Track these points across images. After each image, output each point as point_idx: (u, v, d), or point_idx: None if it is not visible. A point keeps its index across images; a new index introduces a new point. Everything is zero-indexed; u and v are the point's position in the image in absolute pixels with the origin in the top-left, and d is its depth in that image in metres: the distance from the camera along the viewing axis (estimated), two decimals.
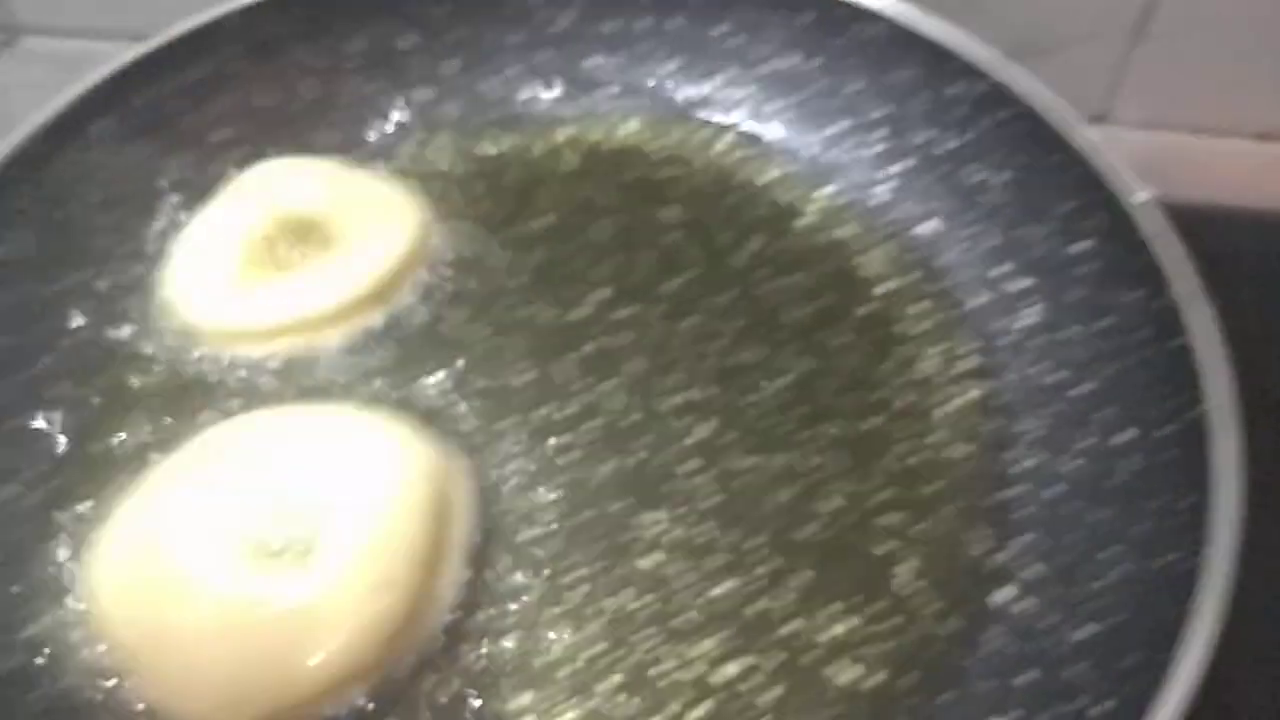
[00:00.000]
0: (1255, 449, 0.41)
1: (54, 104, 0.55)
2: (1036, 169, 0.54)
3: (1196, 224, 0.71)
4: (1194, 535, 0.40)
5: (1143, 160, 0.82)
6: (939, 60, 0.57)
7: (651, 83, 0.64)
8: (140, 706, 0.42)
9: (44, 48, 0.77)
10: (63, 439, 0.51)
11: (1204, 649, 0.37)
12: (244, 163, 0.59)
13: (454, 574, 0.46)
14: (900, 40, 0.58)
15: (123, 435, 0.50)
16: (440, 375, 0.52)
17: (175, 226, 0.57)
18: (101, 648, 0.44)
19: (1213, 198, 0.75)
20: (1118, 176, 0.51)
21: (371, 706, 0.42)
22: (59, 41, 0.77)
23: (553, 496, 0.49)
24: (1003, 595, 0.45)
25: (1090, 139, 0.52)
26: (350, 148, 0.62)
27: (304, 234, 0.55)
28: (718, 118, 0.63)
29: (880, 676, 0.43)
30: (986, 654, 0.43)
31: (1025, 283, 0.54)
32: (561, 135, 0.63)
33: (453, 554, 0.46)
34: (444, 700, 0.43)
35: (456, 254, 0.57)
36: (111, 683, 0.43)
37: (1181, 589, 0.39)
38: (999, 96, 0.55)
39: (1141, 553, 0.42)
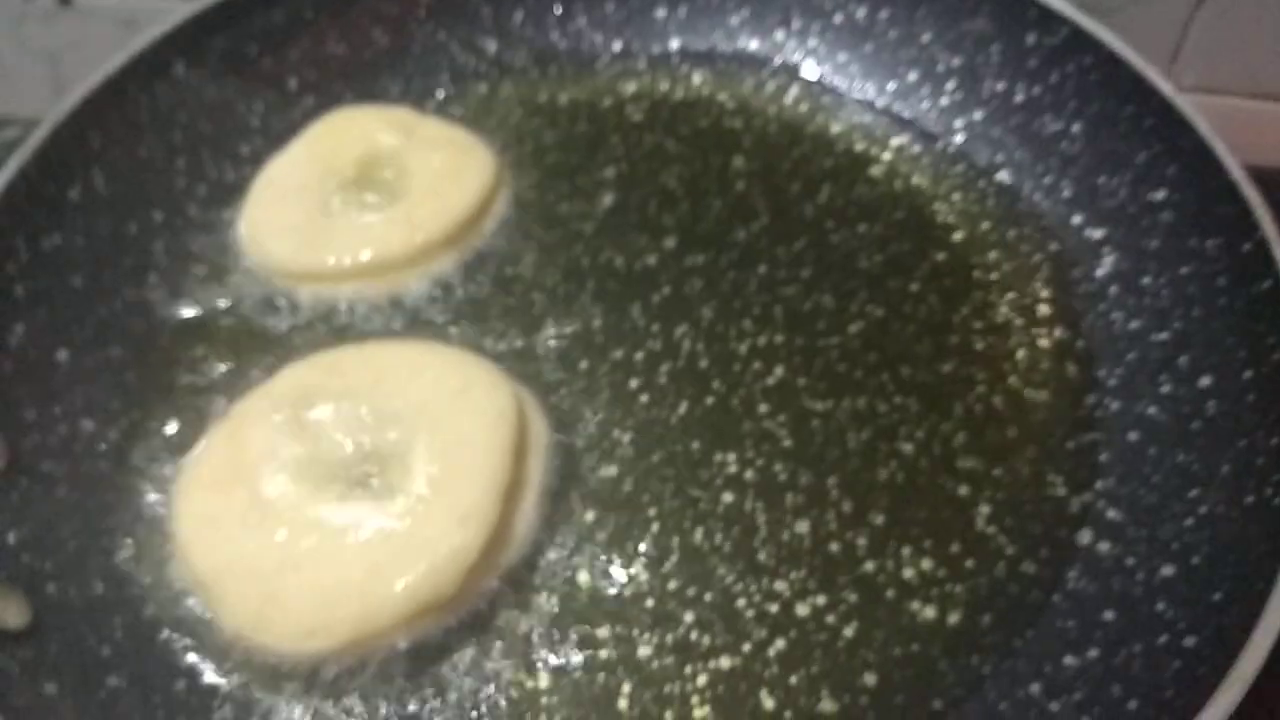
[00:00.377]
0: None
1: (134, 45, 0.55)
2: (1112, 118, 0.54)
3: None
4: None
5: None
6: (1013, 10, 0.57)
7: (719, 34, 0.64)
8: (225, 634, 0.43)
9: (99, 6, 0.78)
10: (138, 376, 0.51)
11: None
12: (319, 109, 0.59)
13: (532, 510, 0.46)
14: None
15: (200, 372, 0.51)
16: (514, 318, 0.53)
17: (253, 169, 0.57)
18: (186, 577, 0.44)
19: (1271, 161, 0.75)
20: (1197, 124, 0.50)
21: (450, 638, 0.43)
22: (115, 1, 0.78)
23: (628, 437, 0.49)
24: (1084, 537, 0.45)
25: (1168, 88, 0.51)
26: (421, 96, 0.62)
27: (378, 179, 0.56)
28: (787, 68, 0.63)
29: (959, 615, 0.43)
30: (1066, 594, 0.43)
31: (1102, 231, 0.53)
32: (630, 86, 0.63)
33: (531, 490, 0.47)
34: (522, 631, 0.43)
35: (527, 201, 0.57)
36: (196, 611, 0.44)
37: (1272, 528, 0.39)
38: (1075, 45, 0.55)
39: (1228, 493, 0.42)
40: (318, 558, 0.43)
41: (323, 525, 0.43)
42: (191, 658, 0.43)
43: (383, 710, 0.41)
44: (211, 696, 0.42)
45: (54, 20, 0.79)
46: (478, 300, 0.53)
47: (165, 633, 0.43)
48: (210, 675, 0.42)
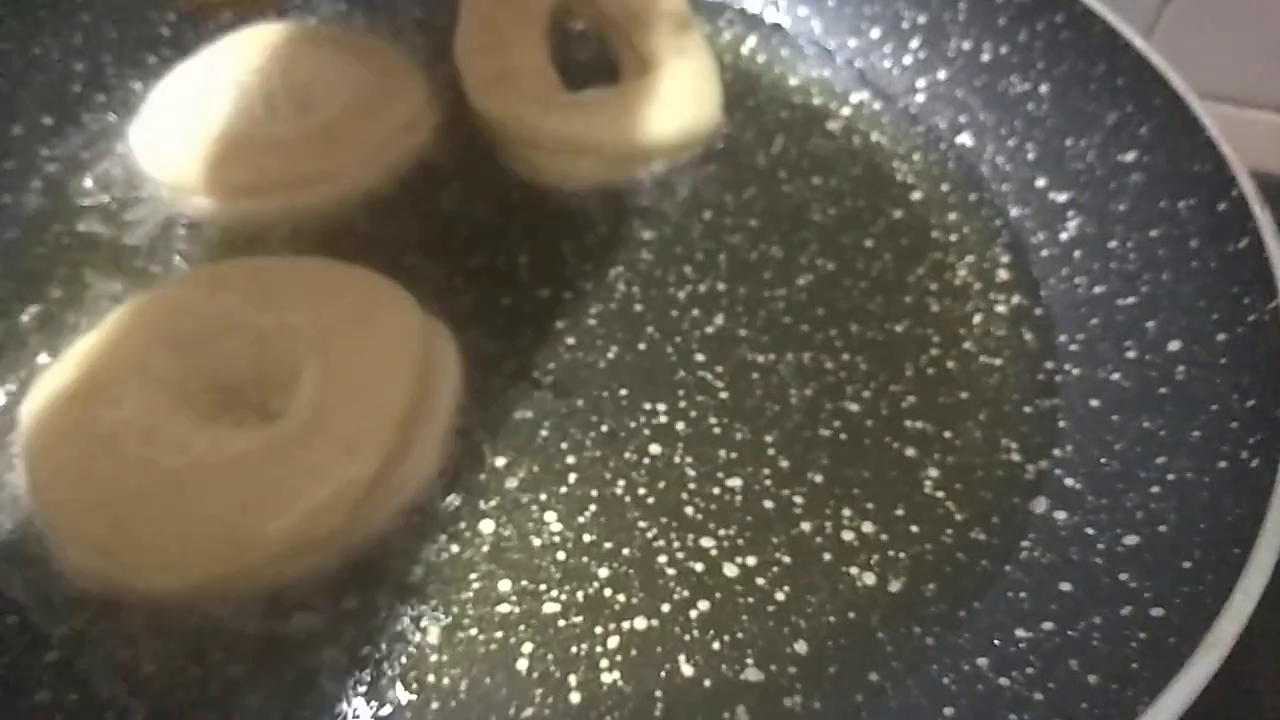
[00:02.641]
0: None
1: None
2: (1083, 77, 0.51)
3: None
4: (1259, 436, 0.37)
5: None
6: None
7: None
8: (68, 565, 0.37)
9: None
10: (8, 287, 0.46)
11: (1274, 551, 0.33)
12: (233, 23, 0.55)
13: (435, 449, 0.41)
14: None
15: (76, 286, 0.46)
16: (433, 247, 0.48)
17: (155, 80, 0.52)
18: (28, 497, 0.39)
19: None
20: (1173, 81, 0.47)
21: (330, 583, 0.38)
22: None
23: (548, 379, 0.44)
24: (1039, 505, 0.41)
25: (1142, 44, 0.49)
26: (349, 16, 0.58)
27: (295, 93, 0.51)
28: (746, 17, 0.59)
29: (901, 582, 0.39)
30: (1019, 564, 0.39)
31: (1068, 194, 0.50)
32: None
33: (435, 427, 0.42)
34: (412, 580, 0.38)
35: (457, 127, 0.53)
36: (37, 538, 0.38)
37: (1249, 491, 0.35)
38: (1046, 2, 0.52)
39: (1199, 458, 0.39)
40: (179, 484, 0.37)
41: (189, 450, 0.38)
42: (29, 592, 0.37)
43: (241, 664, 0.36)
44: (47, 637, 0.36)
45: None
46: (393, 224, 0.49)
47: (9, 561, 0.38)
48: (49, 614, 0.37)
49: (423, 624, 0.37)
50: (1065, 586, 0.38)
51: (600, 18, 0.53)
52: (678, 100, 0.51)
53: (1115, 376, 0.44)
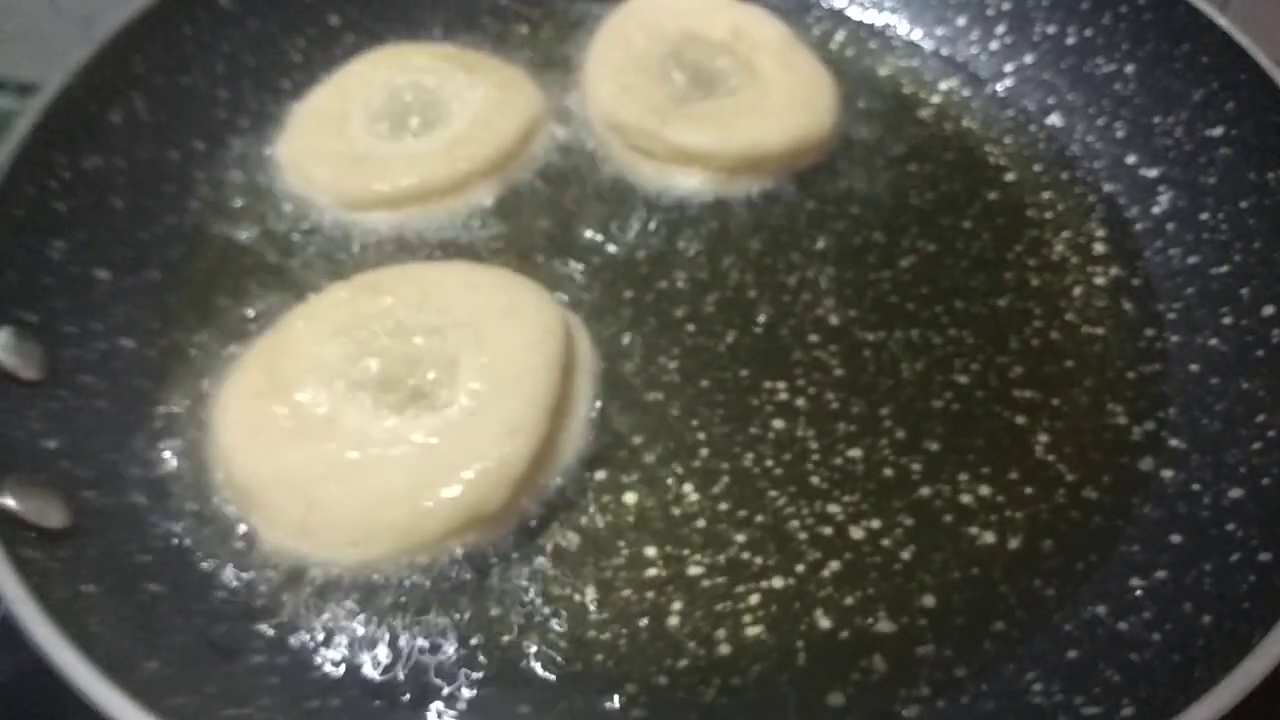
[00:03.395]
0: None
1: None
2: (1167, 57, 0.53)
3: None
4: None
5: None
6: None
7: None
8: (266, 546, 0.42)
9: None
10: (178, 298, 0.50)
11: None
12: (360, 46, 0.59)
13: (579, 428, 0.45)
14: None
15: (238, 296, 0.50)
16: (558, 246, 0.52)
17: (294, 104, 0.57)
18: (228, 488, 0.43)
19: None
20: (1257, 56, 0.49)
21: (498, 552, 0.42)
22: None
23: (674, 364, 0.48)
24: (1147, 464, 0.44)
25: (1225, 22, 0.51)
26: (463, 36, 0.61)
27: (420, 110, 0.55)
28: (833, 13, 0.62)
29: (1019, 540, 0.42)
30: (1130, 519, 0.42)
31: (1158, 169, 0.52)
32: None
33: (578, 408, 0.46)
34: (569, 548, 0.42)
35: (563, 135, 0.56)
36: (237, 523, 0.43)
37: None
38: None
39: None
40: (362, 468, 0.42)
41: (368, 437, 0.42)
42: (231, 569, 0.42)
43: (431, 620, 0.40)
44: (252, 608, 0.41)
45: None
46: (522, 228, 0.53)
47: (205, 544, 0.42)
48: (251, 587, 0.41)
49: (584, 586, 0.41)
50: (1175, 538, 0.41)
51: (711, 43, 0.57)
52: (782, 111, 0.54)
53: (1213, 342, 0.46)
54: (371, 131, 0.54)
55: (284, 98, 0.57)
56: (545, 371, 0.44)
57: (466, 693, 0.39)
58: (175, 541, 0.42)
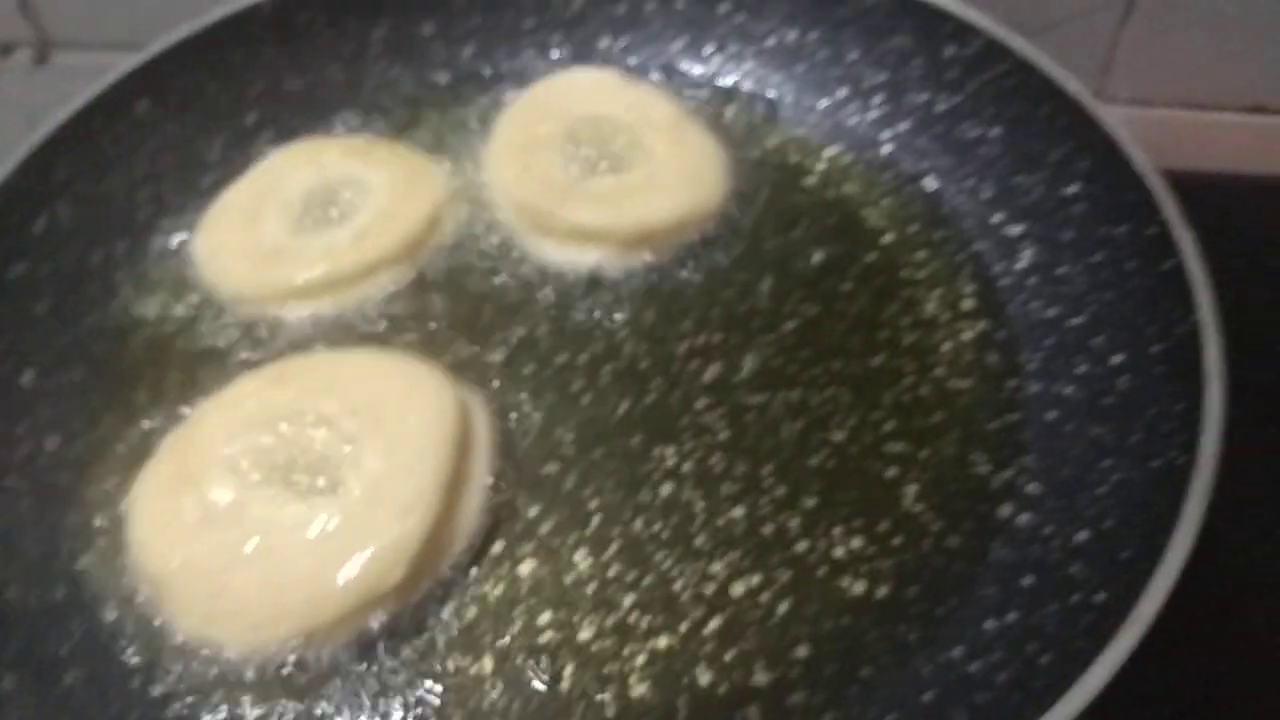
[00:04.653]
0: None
1: (99, 83, 0.58)
2: (1027, 120, 0.57)
3: (1191, 191, 0.73)
4: (1185, 436, 0.42)
5: (1135, 136, 0.85)
6: (932, 24, 0.60)
7: (660, 59, 0.67)
8: (178, 635, 0.45)
9: (76, 62, 0.81)
10: (100, 395, 0.53)
11: (1191, 538, 0.38)
12: (277, 142, 0.62)
13: (475, 504, 0.48)
14: (895, 9, 0.61)
15: (160, 390, 0.53)
16: (463, 328, 0.55)
17: (213, 201, 0.60)
18: (140, 579, 0.46)
19: (1207, 167, 0.78)
20: (1104, 121, 0.53)
21: (395, 629, 0.45)
22: (90, 55, 0.81)
23: (570, 436, 0.51)
24: (1005, 510, 0.47)
25: (1077, 87, 0.54)
26: (376, 127, 0.65)
27: (331, 201, 0.58)
28: (724, 89, 0.66)
29: (887, 588, 0.45)
30: (988, 564, 0.45)
31: (1021, 226, 0.56)
32: None
33: (474, 484, 0.48)
34: (467, 619, 0.45)
35: (473, 216, 0.60)
36: (151, 613, 0.45)
37: (1173, 486, 0.41)
38: (990, 55, 0.58)
39: (1135, 460, 0.44)
40: (265, 555, 0.44)
41: (270, 524, 0.45)
42: (146, 658, 0.44)
43: (331, 702, 0.43)
44: (165, 695, 0.43)
45: (31, 77, 0.82)
46: (429, 310, 0.56)
47: (123, 634, 0.45)
48: (163, 674, 0.44)
49: (481, 655, 0.44)
50: (1027, 580, 0.43)
51: (607, 123, 0.60)
52: (672, 188, 0.58)
53: (1069, 390, 0.49)
54: (284, 226, 0.57)
55: (203, 196, 0.60)
56: (440, 451, 0.47)
57: None
58: (94, 633, 0.45)
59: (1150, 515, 0.41)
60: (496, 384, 0.52)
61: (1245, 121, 0.81)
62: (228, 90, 0.62)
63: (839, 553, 0.46)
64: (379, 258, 0.56)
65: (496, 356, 0.54)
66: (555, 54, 0.67)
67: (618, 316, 0.55)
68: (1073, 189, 0.54)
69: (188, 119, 0.61)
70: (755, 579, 0.46)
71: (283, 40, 0.63)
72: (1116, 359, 0.48)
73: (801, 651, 0.43)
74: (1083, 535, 0.43)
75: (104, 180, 0.58)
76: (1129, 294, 0.50)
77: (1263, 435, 0.55)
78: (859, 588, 0.45)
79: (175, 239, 0.59)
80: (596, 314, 0.55)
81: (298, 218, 0.58)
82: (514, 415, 0.51)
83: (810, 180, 0.61)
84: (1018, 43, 0.57)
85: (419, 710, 0.43)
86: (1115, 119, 0.53)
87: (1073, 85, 0.54)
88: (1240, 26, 0.74)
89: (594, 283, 0.57)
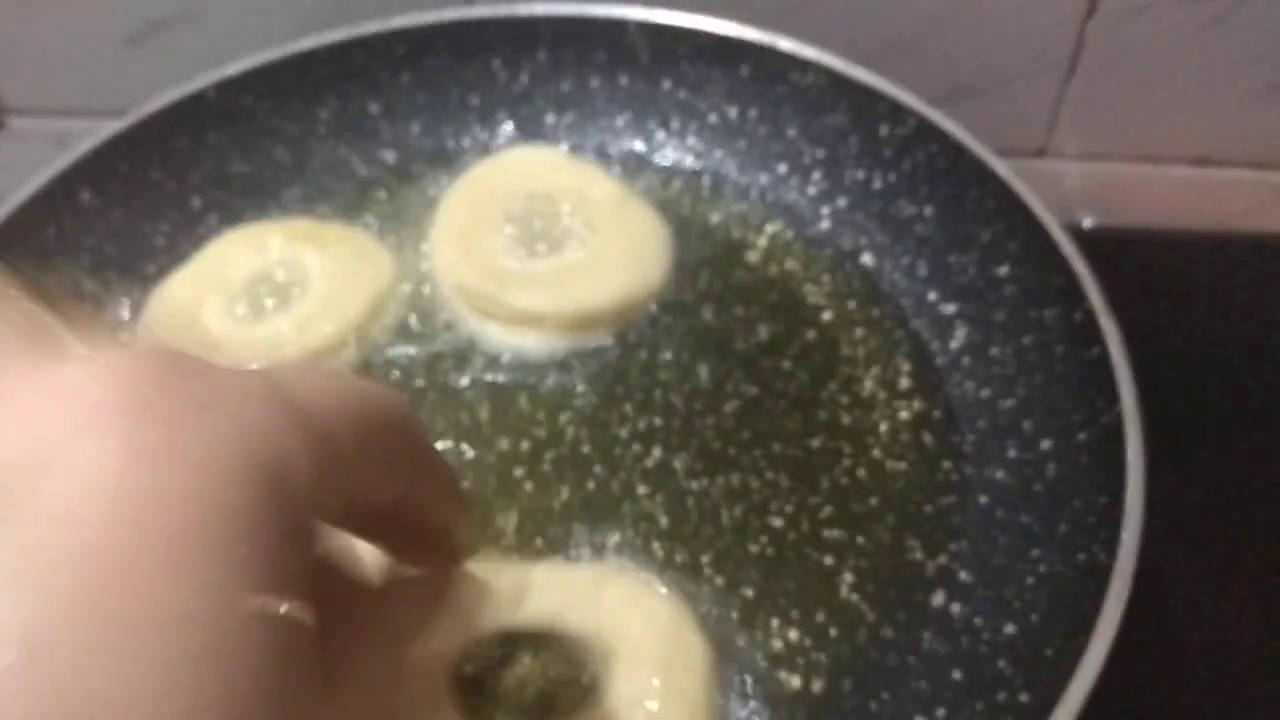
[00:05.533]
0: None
1: (43, 175, 0.58)
2: (958, 200, 0.58)
3: (1137, 247, 0.75)
4: (1108, 532, 0.43)
5: (1084, 191, 0.86)
6: (867, 103, 0.61)
7: (605, 136, 0.68)
8: None
9: (33, 128, 0.81)
10: None
11: (1109, 639, 0.39)
12: (223, 225, 0.63)
13: None
14: (831, 88, 0.62)
15: None
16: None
17: (155, 286, 0.60)
18: None
19: (1153, 222, 0.79)
20: (1031, 203, 0.54)
21: None
22: (49, 121, 0.81)
23: (512, 524, 0.51)
24: (938, 598, 0.47)
25: (1004, 170, 0.55)
26: (323, 207, 0.65)
27: (273, 287, 0.59)
28: (666, 165, 0.67)
29: (822, 682, 0.46)
30: (920, 655, 0.46)
31: (955, 306, 0.57)
32: None
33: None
34: None
35: (417, 299, 0.60)
36: None
37: (1095, 582, 0.41)
38: (922, 135, 0.59)
39: (1062, 551, 0.45)
40: None
41: None
42: None
43: None
44: None
45: None
46: None
47: None
48: None
49: None
50: (956, 675, 0.44)
51: (549, 202, 0.61)
52: (614, 270, 0.58)
53: (1000, 474, 0.50)
54: (226, 314, 0.58)
55: (149, 282, 0.61)
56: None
57: None
58: None
59: (1073, 612, 0.42)
60: None
61: (1191, 175, 0.82)
62: (172, 176, 0.63)
63: (776, 645, 0.47)
64: (321, 345, 0.57)
65: (437, 441, 0.54)
66: (501, 130, 0.68)
67: (560, 401, 0.56)
68: (1003, 270, 0.55)
69: (133, 206, 0.62)
70: None
71: (227, 124, 0.64)
72: (1045, 444, 0.49)
73: None
74: (1010, 629, 0.44)
75: (46, 275, 0.58)
76: (1057, 379, 0.51)
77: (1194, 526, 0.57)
78: (795, 682, 0.46)
79: (121, 330, 0.59)
80: (539, 399, 0.56)
81: (240, 306, 0.58)
82: None
83: (752, 256, 0.62)
84: (949, 124, 0.58)
85: None
86: (1058, 180, 0.54)
87: (1001, 167, 0.56)
88: (1184, 80, 0.75)
89: (537, 366, 0.57)
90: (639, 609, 0.46)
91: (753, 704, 0.45)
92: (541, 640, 0.45)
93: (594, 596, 0.46)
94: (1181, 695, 0.52)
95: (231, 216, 0.64)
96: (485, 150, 0.67)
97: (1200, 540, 0.58)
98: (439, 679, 0.44)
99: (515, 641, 0.45)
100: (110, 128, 0.61)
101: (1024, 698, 0.40)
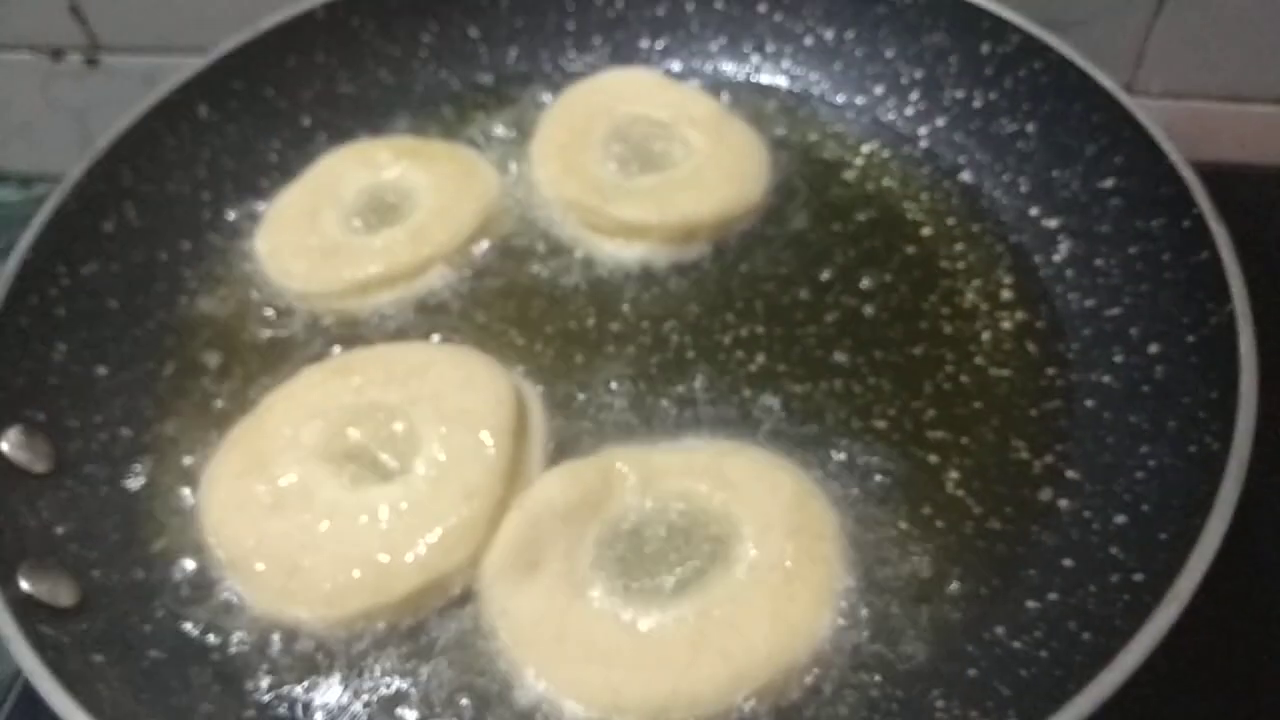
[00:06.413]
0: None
1: (160, 90, 0.60)
2: (1063, 116, 0.58)
3: (1223, 183, 0.74)
4: (1220, 424, 0.43)
5: (1168, 128, 0.86)
6: (968, 21, 0.61)
7: (700, 59, 0.69)
8: (254, 612, 0.47)
9: (125, 65, 0.83)
10: (171, 387, 0.56)
11: (1226, 519, 0.40)
12: (331, 144, 0.65)
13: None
14: (930, 7, 0.62)
15: (227, 381, 0.56)
16: (514, 320, 0.57)
17: (270, 200, 0.62)
18: (217, 561, 0.48)
19: (1238, 158, 0.79)
20: (1139, 116, 0.54)
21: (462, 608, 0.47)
22: (139, 59, 0.83)
23: (621, 420, 0.53)
24: (1045, 494, 0.48)
25: (1111, 83, 0.56)
26: (423, 128, 0.67)
27: (385, 199, 0.60)
28: (762, 87, 0.67)
29: (930, 568, 0.46)
30: (1029, 546, 0.47)
31: (1058, 220, 0.57)
32: None
33: (533, 469, 0.50)
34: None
35: (521, 213, 0.62)
36: (225, 591, 0.48)
37: (1209, 471, 0.42)
38: (1026, 52, 0.59)
39: (1172, 446, 0.45)
40: (335, 536, 0.46)
41: (339, 508, 0.47)
42: (222, 635, 0.46)
43: (395, 679, 0.45)
44: (245, 668, 0.46)
45: (82, 79, 0.84)
46: (481, 303, 0.58)
47: (199, 613, 0.47)
48: (239, 648, 0.46)
49: None
50: (1067, 562, 0.45)
51: (649, 121, 0.62)
52: (715, 183, 0.59)
53: (1107, 379, 0.51)
54: (341, 224, 0.59)
55: (262, 196, 0.63)
56: (499, 438, 0.49)
57: None
58: (173, 613, 0.47)
59: (1187, 499, 0.42)
60: (548, 372, 0.54)
61: (1276, 113, 0.81)
62: (283, 94, 0.65)
63: (882, 533, 0.48)
64: (433, 254, 0.58)
65: (546, 345, 0.56)
66: (596, 55, 0.69)
67: (664, 309, 0.57)
68: (1108, 183, 0.55)
69: (247, 122, 0.64)
70: None
71: (335, 45, 0.66)
72: (1153, 348, 0.50)
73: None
74: (1121, 519, 0.45)
75: (168, 182, 0.60)
76: (1165, 285, 0.51)
77: None
78: (905, 568, 0.47)
79: (239, 238, 0.61)
80: (643, 306, 0.57)
81: (355, 217, 0.60)
82: (566, 404, 0.53)
83: (849, 175, 0.63)
84: (1053, 39, 0.58)
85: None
86: (1149, 112, 0.54)
87: (1107, 81, 0.56)
88: (1271, 19, 0.75)
89: (640, 276, 0.58)
90: (764, 480, 0.47)
91: (867, 589, 0.46)
92: (672, 517, 0.47)
93: (716, 472, 0.48)
94: None
95: (339, 135, 0.65)
96: (581, 74, 0.68)
97: None
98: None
99: (650, 521, 0.47)
100: (224, 44, 0.63)
101: (1138, 577, 0.41)
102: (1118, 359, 0.51)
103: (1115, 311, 0.52)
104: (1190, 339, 0.48)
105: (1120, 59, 0.78)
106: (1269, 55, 0.78)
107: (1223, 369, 0.45)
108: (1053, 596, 0.44)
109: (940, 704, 0.41)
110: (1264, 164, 0.78)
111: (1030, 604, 0.44)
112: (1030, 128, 0.59)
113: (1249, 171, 0.78)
